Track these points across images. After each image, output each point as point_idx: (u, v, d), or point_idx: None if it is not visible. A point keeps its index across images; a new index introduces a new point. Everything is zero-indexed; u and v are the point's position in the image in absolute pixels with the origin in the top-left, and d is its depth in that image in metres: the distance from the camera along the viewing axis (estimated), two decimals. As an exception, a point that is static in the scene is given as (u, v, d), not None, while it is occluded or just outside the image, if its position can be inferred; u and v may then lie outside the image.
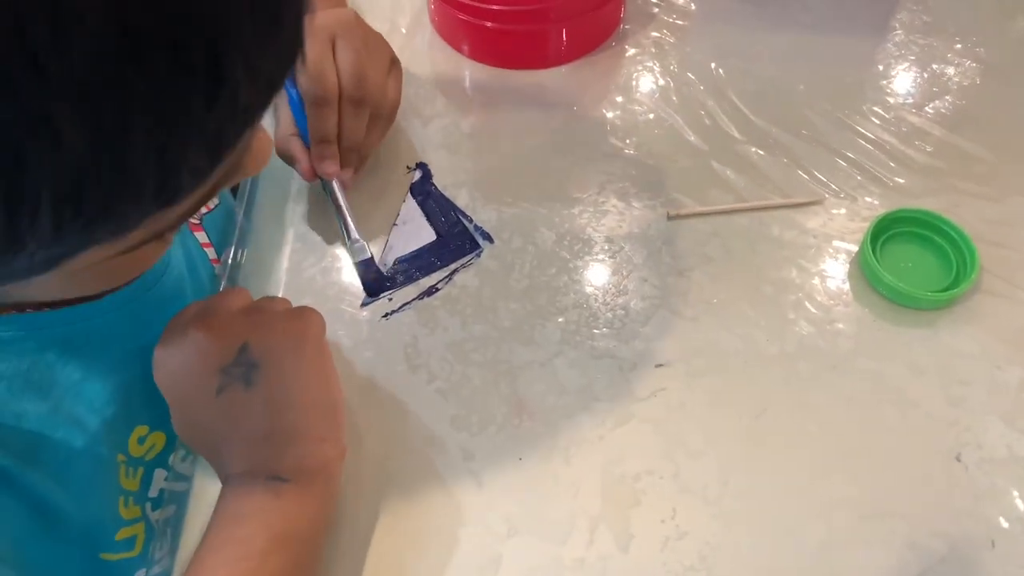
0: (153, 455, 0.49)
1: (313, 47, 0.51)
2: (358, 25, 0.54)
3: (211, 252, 0.58)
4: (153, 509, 0.49)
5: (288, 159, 0.56)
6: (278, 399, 0.42)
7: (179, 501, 0.48)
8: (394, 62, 0.58)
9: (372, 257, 0.55)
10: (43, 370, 0.42)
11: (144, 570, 0.48)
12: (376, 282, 0.55)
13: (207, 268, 0.56)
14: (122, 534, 0.46)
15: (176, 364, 0.43)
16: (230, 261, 0.58)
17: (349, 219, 0.55)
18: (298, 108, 0.54)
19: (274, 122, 0.58)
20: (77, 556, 0.44)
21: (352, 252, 0.55)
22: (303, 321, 0.45)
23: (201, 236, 0.57)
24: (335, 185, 0.55)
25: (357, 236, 0.55)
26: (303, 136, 0.55)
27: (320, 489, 0.42)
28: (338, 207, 0.55)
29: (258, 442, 0.41)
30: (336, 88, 0.52)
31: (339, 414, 0.44)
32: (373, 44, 0.55)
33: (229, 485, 0.42)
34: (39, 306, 0.42)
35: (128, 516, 0.46)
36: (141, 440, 0.48)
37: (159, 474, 0.49)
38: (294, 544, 0.40)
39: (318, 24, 0.52)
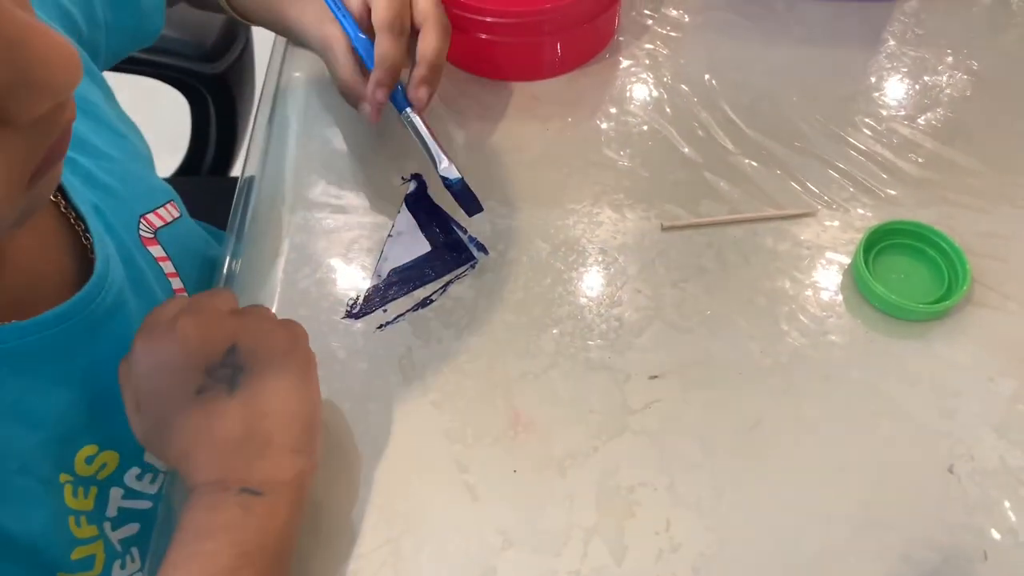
0: (106, 474, 0.47)
1: None
2: None
3: (167, 266, 0.55)
4: (113, 528, 0.48)
5: (355, 100, 0.56)
6: (260, 406, 0.41)
7: (143, 519, 0.47)
8: None
9: (463, 179, 0.55)
10: None
11: None
12: (474, 201, 0.55)
13: (162, 283, 0.54)
14: (78, 553, 0.45)
15: (158, 357, 0.41)
16: (225, 272, 0.58)
17: (433, 145, 0.55)
18: (364, 46, 0.55)
19: (329, 71, 0.58)
20: (31, 575, 0.43)
21: (445, 176, 0.55)
22: (292, 330, 0.44)
23: (156, 250, 0.54)
24: (414, 117, 0.55)
25: (445, 160, 0.54)
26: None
27: (291, 503, 0.41)
28: (420, 136, 0.55)
29: (232, 449, 0.40)
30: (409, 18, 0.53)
31: (316, 427, 0.44)
32: None
33: (197, 495, 0.40)
34: None
35: (83, 535, 0.45)
36: (89, 460, 0.46)
37: (115, 493, 0.48)
38: (261, 560, 0.39)
39: None
